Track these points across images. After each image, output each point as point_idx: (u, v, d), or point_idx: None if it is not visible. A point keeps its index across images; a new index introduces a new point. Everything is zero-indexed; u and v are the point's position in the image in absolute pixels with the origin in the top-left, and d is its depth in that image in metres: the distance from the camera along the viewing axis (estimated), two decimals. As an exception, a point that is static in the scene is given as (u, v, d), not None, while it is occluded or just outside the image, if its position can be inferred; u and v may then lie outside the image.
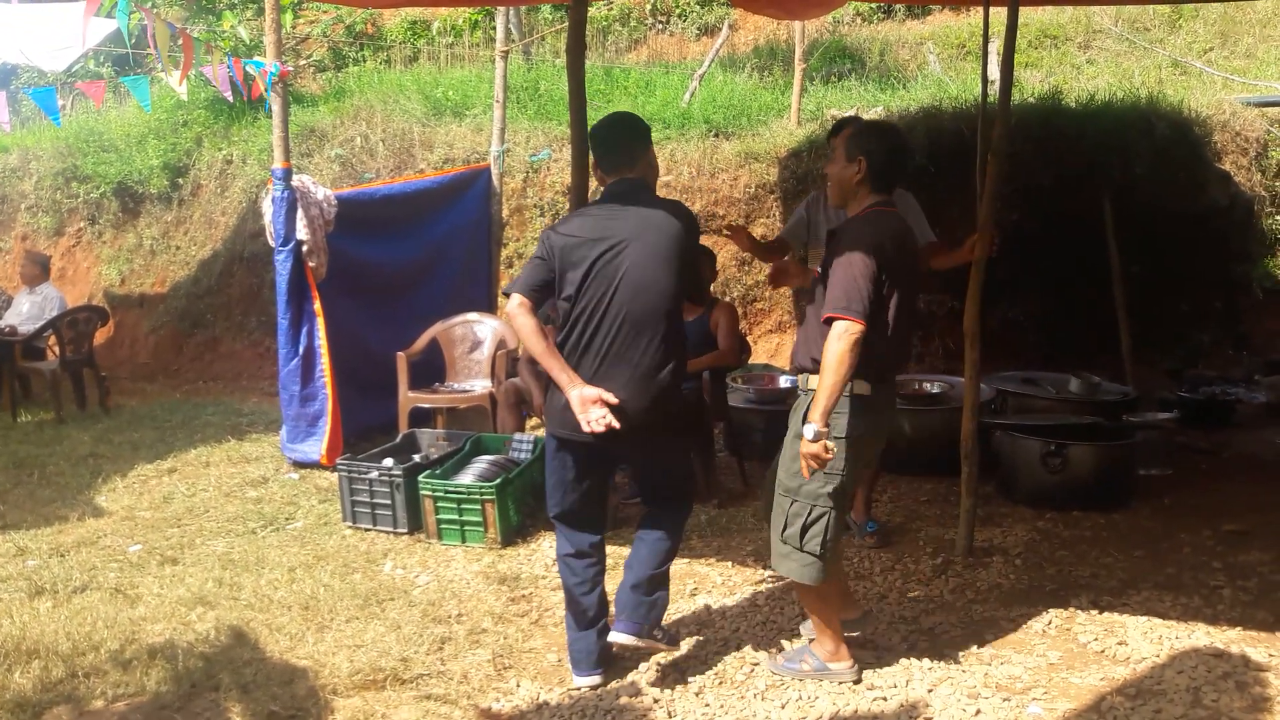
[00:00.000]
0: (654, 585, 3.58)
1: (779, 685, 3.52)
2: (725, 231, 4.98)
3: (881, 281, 3.26)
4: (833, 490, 3.32)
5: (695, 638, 3.92)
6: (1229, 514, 5.09)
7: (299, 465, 6.33)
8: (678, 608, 4.19)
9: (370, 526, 5.23)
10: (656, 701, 3.44)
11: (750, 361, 7.20)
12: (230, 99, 7.79)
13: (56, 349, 8.09)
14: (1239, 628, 3.85)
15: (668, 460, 3.65)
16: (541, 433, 6.46)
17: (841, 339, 3.16)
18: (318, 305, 6.25)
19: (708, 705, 3.41)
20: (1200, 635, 3.80)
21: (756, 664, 3.69)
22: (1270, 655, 3.61)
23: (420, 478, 5.08)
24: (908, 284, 3.40)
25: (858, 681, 3.49)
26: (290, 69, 6.78)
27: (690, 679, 3.59)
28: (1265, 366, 7.47)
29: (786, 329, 8.32)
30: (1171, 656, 3.63)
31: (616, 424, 3.25)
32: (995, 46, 7.69)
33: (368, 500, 5.23)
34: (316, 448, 6.26)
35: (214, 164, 10.43)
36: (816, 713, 3.33)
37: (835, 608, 3.55)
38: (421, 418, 6.69)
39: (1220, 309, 8.09)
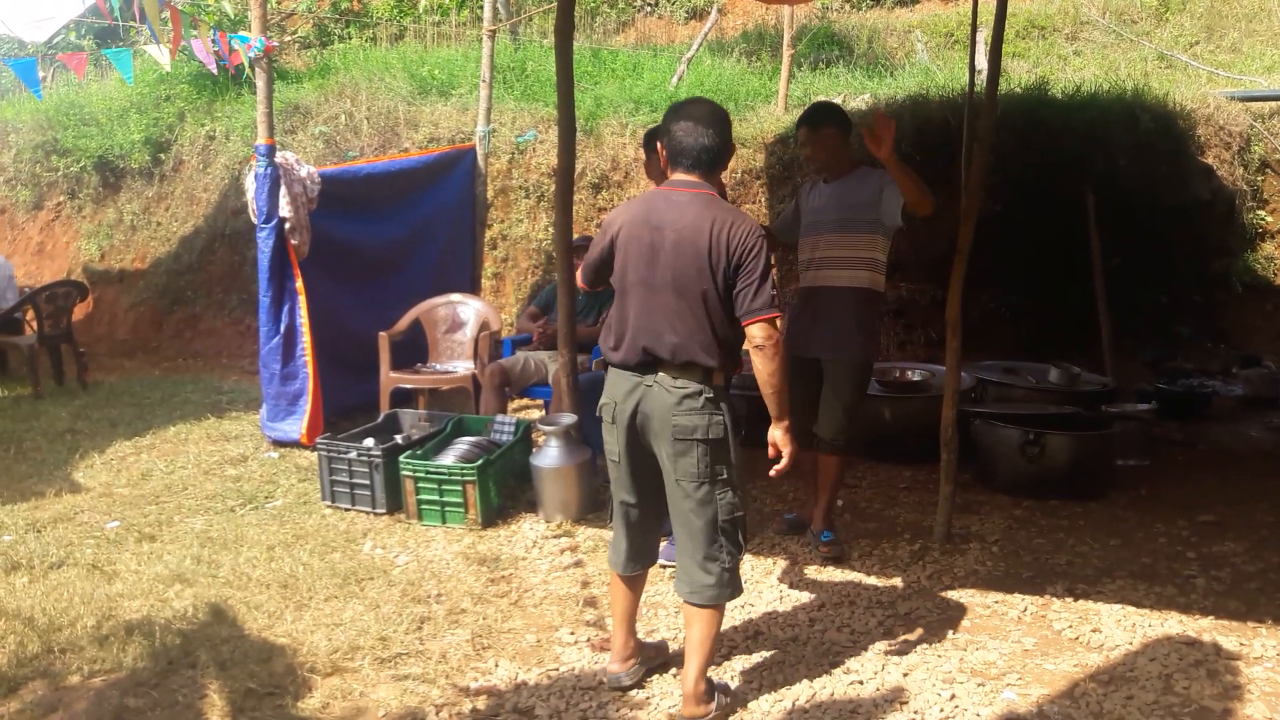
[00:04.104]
0: None
1: (755, 668, 3.55)
2: None
3: None
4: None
5: (672, 621, 3.94)
6: (1204, 505, 5.14)
7: (279, 444, 6.31)
8: (657, 590, 4.20)
9: (349, 506, 5.22)
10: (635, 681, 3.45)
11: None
12: (215, 72, 7.74)
13: (34, 323, 8.02)
14: (1211, 617, 3.89)
15: None
16: (524, 415, 6.49)
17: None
18: (300, 283, 6.21)
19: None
20: (1173, 624, 3.84)
21: (734, 647, 3.71)
22: (1241, 644, 3.66)
23: (401, 458, 5.07)
24: None
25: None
26: (275, 44, 6.72)
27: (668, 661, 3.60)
28: (1242, 360, 7.54)
29: (770, 315, 8.33)
30: (1144, 644, 3.67)
31: None
32: (983, 36, 7.70)
33: (346, 480, 5.21)
34: (296, 426, 6.24)
35: (196, 139, 10.34)
36: (793, 695, 3.35)
37: None
38: (403, 398, 6.67)
39: (1199, 302, 8.15)
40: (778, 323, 3.09)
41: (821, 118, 4.52)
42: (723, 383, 3.21)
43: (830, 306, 4.44)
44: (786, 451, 3.16)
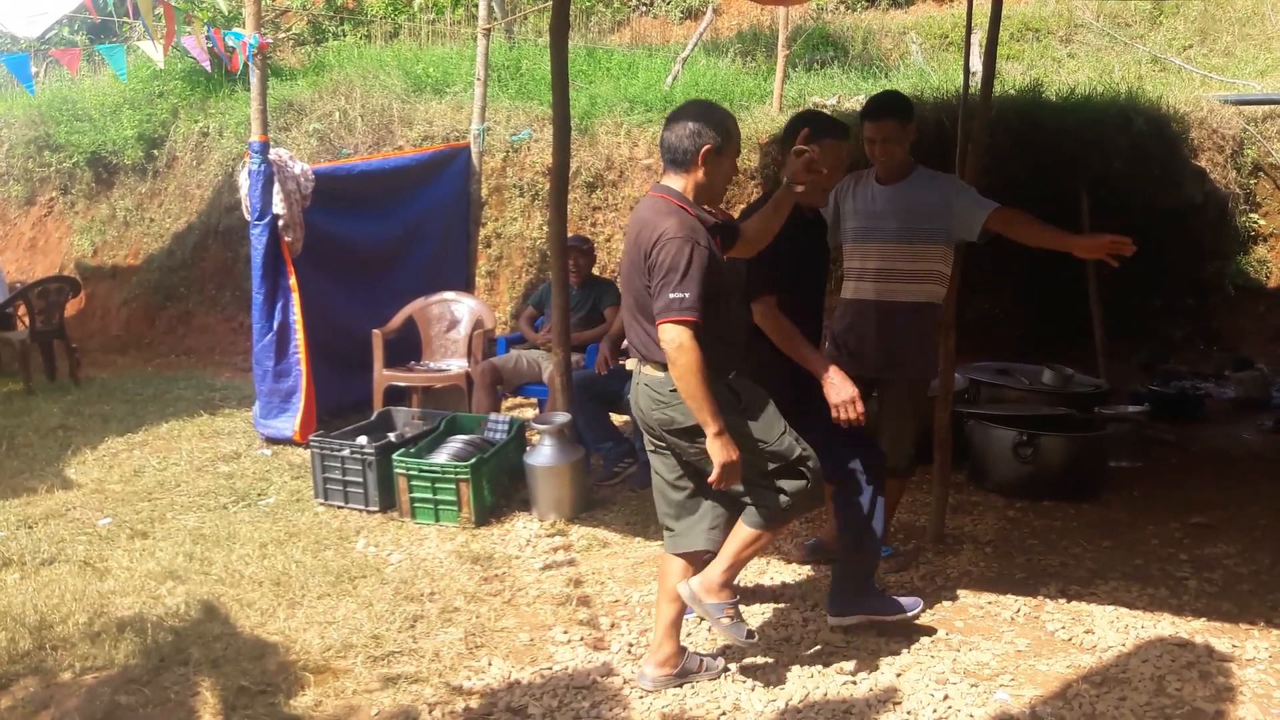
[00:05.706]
0: None
1: (748, 668, 3.55)
2: None
3: None
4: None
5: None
6: (1196, 507, 5.16)
7: (272, 441, 6.30)
8: (649, 588, 4.19)
9: (342, 504, 5.21)
10: (628, 681, 3.46)
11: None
12: (209, 69, 7.70)
13: (26, 319, 7.99)
14: (1204, 618, 3.90)
15: None
16: (518, 414, 6.48)
17: None
18: (293, 280, 6.20)
19: (678, 685, 3.42)
20: (1166, 625, 3.85)
21: (728, 645, 3.71)
22: (1234, 646, 3.67)
23: (395, 456, 5.06)
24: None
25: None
26: (269, 41, 6.70)
27: (662, 660, 3.60)
28: (1235, 362, 7.56)
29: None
30: (1137, 646, 3.68)
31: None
32: (978, 38, 7.71)
33: (340, 478, 5.20)
34: (289, 424, 6.22)
35: (190, 136, 10.31)
36: (786, 695, 3.35)
37: None
38: (396, 396, 6.66)
39: (1192, 305, 8.17)
40: (685, 328, 2.97)
41: (883, 110, 4.08)
42: None
43: (890, 322, 4.03)
44: (717, 461, 3.05)
